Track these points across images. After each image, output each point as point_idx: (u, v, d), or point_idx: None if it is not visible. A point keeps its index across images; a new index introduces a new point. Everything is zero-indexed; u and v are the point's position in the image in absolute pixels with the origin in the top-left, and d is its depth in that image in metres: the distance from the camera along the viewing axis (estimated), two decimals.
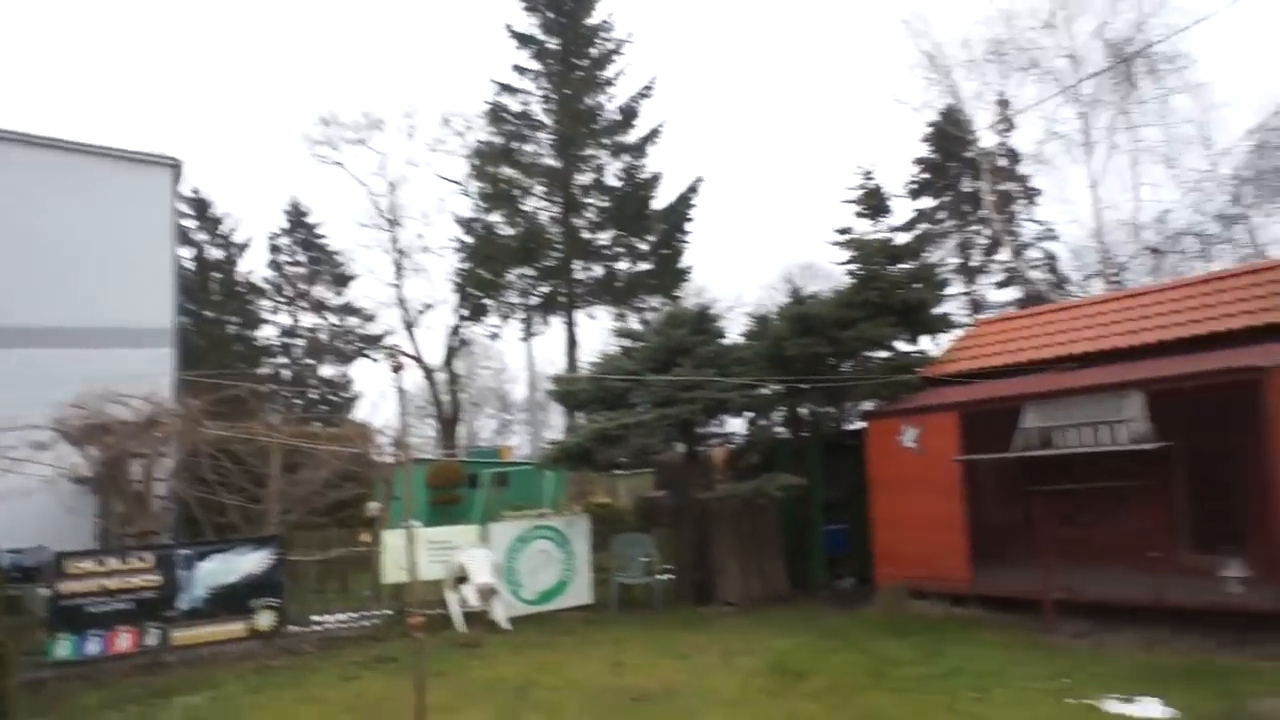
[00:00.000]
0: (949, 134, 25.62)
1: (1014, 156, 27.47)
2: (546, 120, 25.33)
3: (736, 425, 14.89)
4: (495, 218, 25.39)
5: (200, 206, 35.18)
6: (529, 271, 25.39)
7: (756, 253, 60.25)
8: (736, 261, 61.40)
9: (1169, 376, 9.01)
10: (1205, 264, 22.41)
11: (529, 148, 25.30)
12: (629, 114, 25.62)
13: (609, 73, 25.96)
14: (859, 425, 12.73)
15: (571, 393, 12.99)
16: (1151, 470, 9.78)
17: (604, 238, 25.60)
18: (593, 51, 25.85)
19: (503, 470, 22.09)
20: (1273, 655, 7.93)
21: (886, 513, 11.48)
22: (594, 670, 9.15)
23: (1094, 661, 8.35)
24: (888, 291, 12.32)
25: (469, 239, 26.06)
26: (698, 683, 8.39)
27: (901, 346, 13.97)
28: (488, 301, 26.49)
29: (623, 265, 25.83)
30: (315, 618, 11.44)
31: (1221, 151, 22.42)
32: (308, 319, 37.09)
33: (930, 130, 27.56)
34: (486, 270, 25.23)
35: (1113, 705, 6.87)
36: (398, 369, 7.79)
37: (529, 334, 27.67)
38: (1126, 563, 9.71)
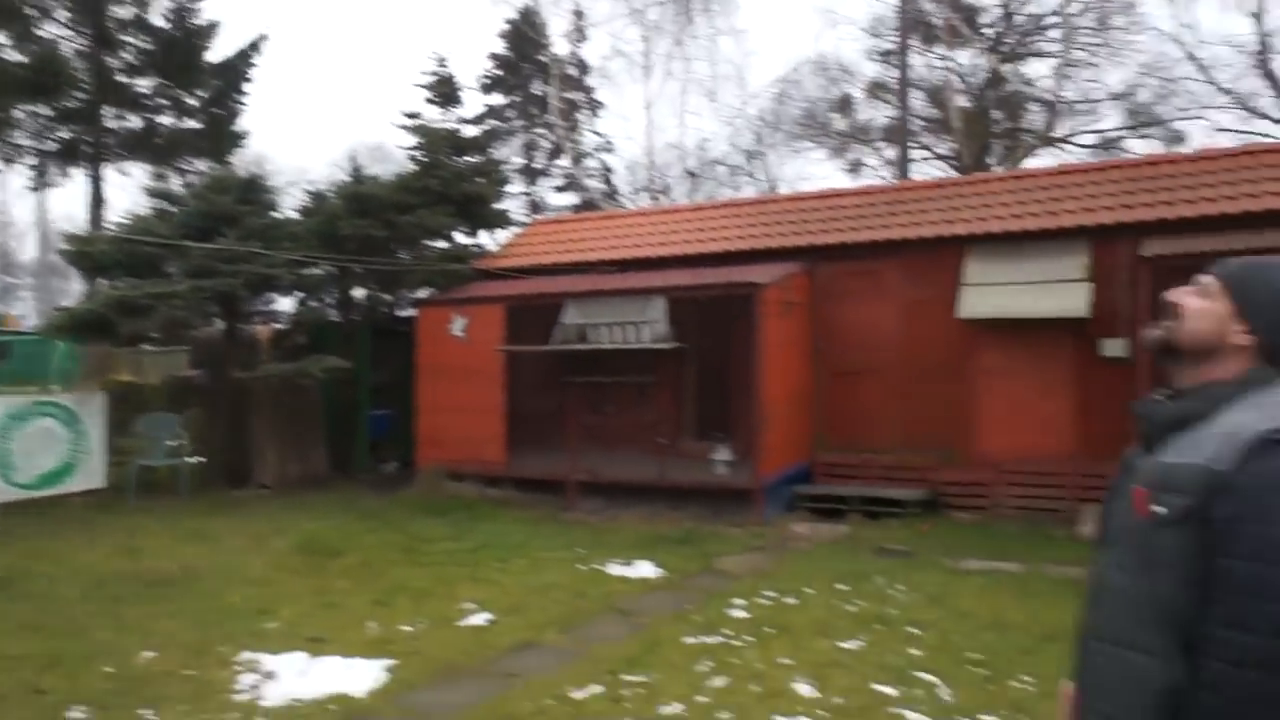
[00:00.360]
0: (524, 35, 25.93)
1: (583, 67, 28.58)
2: None
3: (287, 305, 14.25)
4: None
5: None
6: (44, 111, 21.51)
7: (327, 128, 56.91)
8: (305, 135, 57.55)
9: (685, 285, 10.24)
10: (732, 191, 25.57)
11: None
12: None
13: None
14: (412, 313, 12.80)
15: (88, 254, 11.39)
16: (669, 368, 11.11)
17: (144, 85, 22.43)
18: None
19: (3, 341, 18.97)
20: (741, 523, 9.54)
21: (432, 398, 11.77)
22: (102, 556, 8.39)
23: (605, 534, 9.42)
24: (449, 181, 12.41)
25: None
26: (223, 564, 8.07)
27: (461, 239, 14.24)
28: None
29: (167, 120, 22.91)
30: None
31: (751, 94, 25.48)
32: None
33: (507, 28, 27.63)
34: None
35: (614, 568, 7.84)
36: None
37: (41, 184, 23.62)
38: (641, 448, 11.01)
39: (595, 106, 29.34)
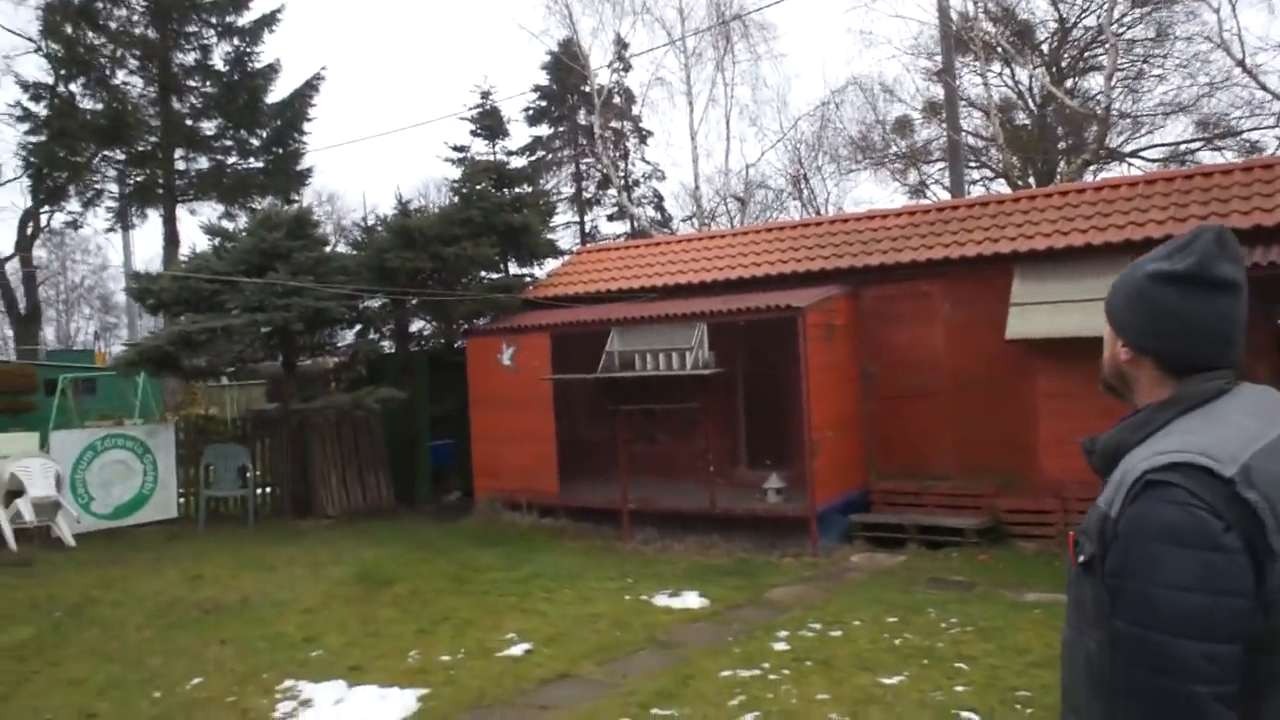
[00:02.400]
0: (566, 65, 26.22)
1: (628, 96, 28.81)
2: None
3: (348, 339, 14.58)
4: (74, 88, 22.03)
5: None
6: (118, 155, 22.45)
7: (396, 164, 58.19)
8: (371, 169, 58.90)
9: (725, 310, 10.19)
10: (778, 214, 25.50)
11: (119, 11, 22.15)
12: None
13: None
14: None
15: (152, 291, 11.83)
16: (718, 395, 11.04)
17: (210, 127, 23.27)
18: None
19: (90, 376, 19.70)
20: (794, 553, 9.41)
21: (486, 428, 11.89)
22: (166, 584, 8.67)
23: (656, 564, 9.37)
24: (491, 212, 12.59)
25: (38, 108, 22.39)
26: (279, 593, 8.26)
27: (514, 270, 14.44)
28: (66, 184, 23.07)
29: (233, 160, 23.72)
30: None
31: (794, 119, 25.41)
32: None
33: (549, 59, 27.96)
34: (63, 147, 21.89)
35: (660, 599, 7.80)
36: None
37: (122, 225, 24.63)
38: (694, 477, 10.95)
39: (643, 134, 29.56)
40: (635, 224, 27.10)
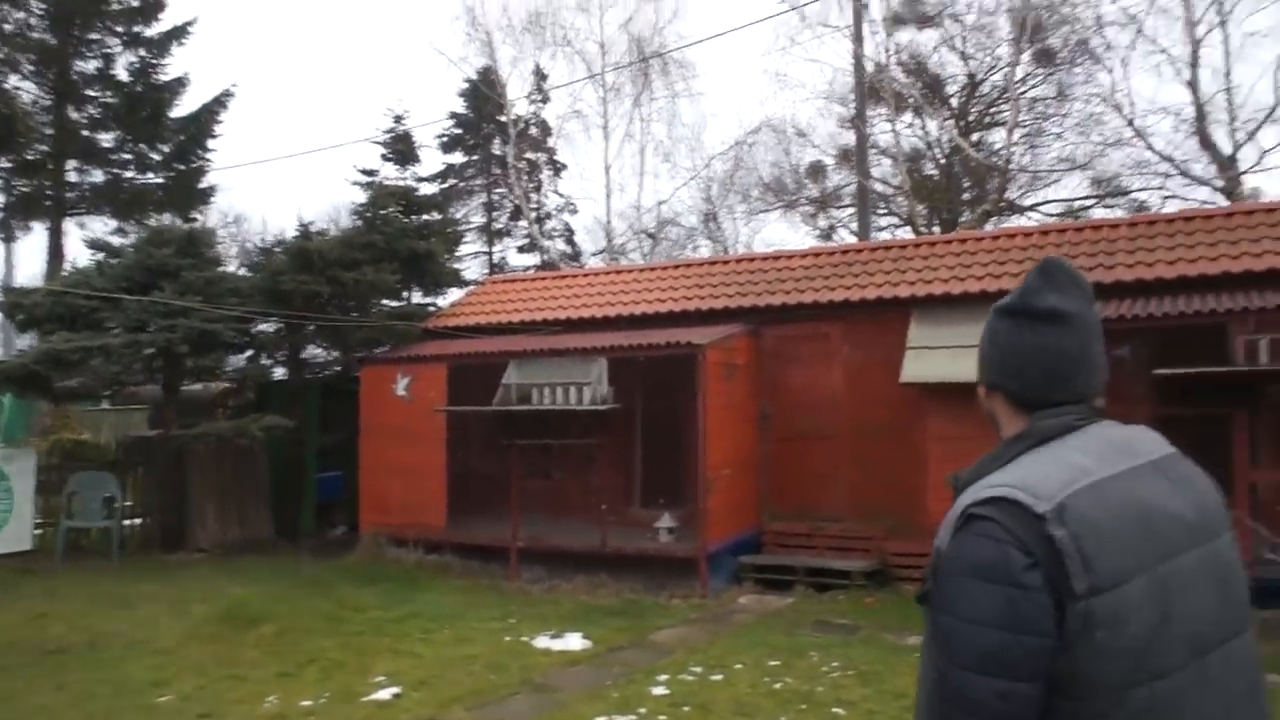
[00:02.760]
0: (483, 94, 26.00)
1: (544, 128, 28.64)
2: None
3: (239, 363, 13.97)
4: None
5: None
6: (3, 162, 21.39)
7: (301, 184, 56.93)
8: (280, 192, 57.49)
9: (625, 345, 10.06)
10: (689, 251, 25.62)
11: (17, 14, 21.23)
12: (152, 4, 22.58)
13: None
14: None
15: (22, 306, 11.14)
16: (615, 432, 10.87)
17: (107, 139, 22.38)
18: None
19: None
20: (682, 594, 9.24)
21: (375, 460, 11.47)
22: (8, 623, 8.03)
23: (542, 604, 9.09)
24: (395, 237, 12.28)
25: None
26: (133, 633, 7.73)
27: (418, 299, 14.08)
28: None
29: (131, 174, 22.82)
30: None
31: (709, 157, 25.67)
32: None
33: (467, 86, 27.65)
34: None
35: (541, 640, 7.53)
36: None
37: (3, 237, 23.49)
38: (586, 515, 10.71)
39: (557, 167, 29.35)
40: (545, 257, 26.88)
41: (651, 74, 24.77)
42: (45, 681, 6.34)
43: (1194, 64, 18.29)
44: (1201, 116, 18.72)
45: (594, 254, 26.76)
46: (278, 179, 55.57)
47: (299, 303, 11.81)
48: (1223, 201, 17.66)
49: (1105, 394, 1.50)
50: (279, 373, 13.95)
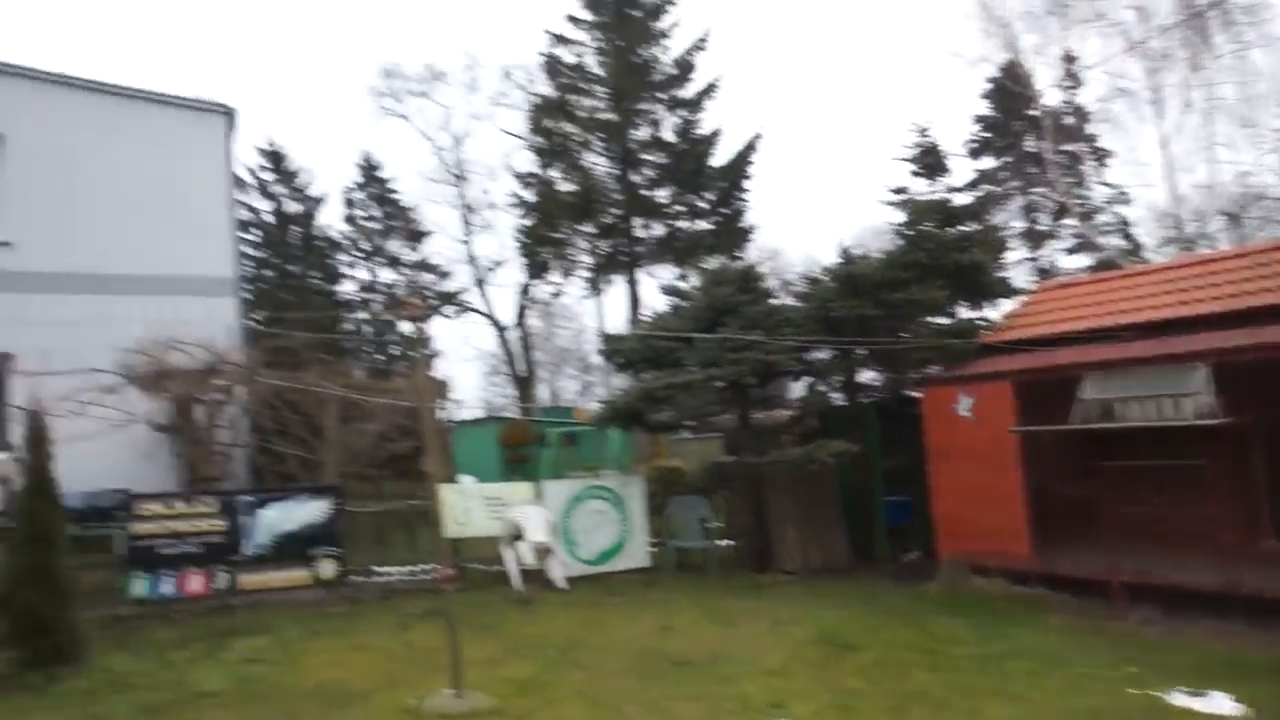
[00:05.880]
0: (1009, 90, 24.35)
1: (1081, 115, 26.07)
2: (601, 73, 24.97)
3: (798, 390, 14.66)
4: (554, 173, 25.30)
5: (275, 159, 35.17)
6: (589, 228, 25.26)
7: (830, 213, 59.05)
8: (811, 222, 60.34)
9: (1234, 348, 8.50)
10: None
11: (586, 101, 25.01)
12: (684, 67, 25.13)
13: (663, 24, 25.54)
14: (918, 393, 12.32)
15: (619, 351, 12.86)
16: (1224, 448, 9.30)
17: (663, 195, 25.30)
18: (646, 1, 25.36)
19: (571, 430, 22.12)
20: None
21: (945, 483, 11.14)
22: (640, 633, 9.12)
23: (1164, 651, 7.91)
24: (938, 253, 11.84)
25: (528, 194, 25.99)
26: (741, 650, 8.28)
27: (965, 313, 13.52)
28: (549, 259, 26.43)
29: (683, 224, 25.52)
30: (377, 569, 11.68)
31: None
32: (385, 274, 36.80)
33: (989, 86, 26.18)
34: (546, 226, 25.18)
35: (1179, 698, 6.54)
36: (416, 319, 7.81)
37: (593, 292, 27.63)
38: (1199, 547, 9.31)
39: (1100, 156, 26.57)
40: (1100, 255, 24.42)
41: (1209, 27, 21.32)
42: (680, 690, 7.03)
43: None
44: None
45: (1158, 246, 23.69)
46: (805, 212, 58.36)
47: (849, 328, 11.98)
48: None
49: None
50: (835, 398, 14.31)
